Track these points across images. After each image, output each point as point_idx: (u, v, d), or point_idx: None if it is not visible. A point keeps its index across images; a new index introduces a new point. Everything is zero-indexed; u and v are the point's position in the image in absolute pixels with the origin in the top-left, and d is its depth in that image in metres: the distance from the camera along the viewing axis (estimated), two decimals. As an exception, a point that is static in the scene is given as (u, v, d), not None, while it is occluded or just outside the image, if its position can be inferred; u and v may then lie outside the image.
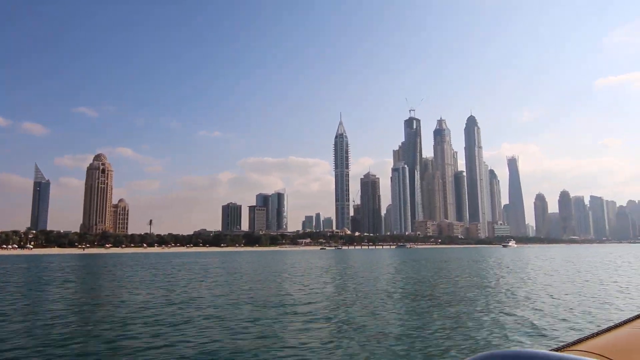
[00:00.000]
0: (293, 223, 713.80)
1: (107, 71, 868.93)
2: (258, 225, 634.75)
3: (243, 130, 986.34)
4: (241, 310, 25.16)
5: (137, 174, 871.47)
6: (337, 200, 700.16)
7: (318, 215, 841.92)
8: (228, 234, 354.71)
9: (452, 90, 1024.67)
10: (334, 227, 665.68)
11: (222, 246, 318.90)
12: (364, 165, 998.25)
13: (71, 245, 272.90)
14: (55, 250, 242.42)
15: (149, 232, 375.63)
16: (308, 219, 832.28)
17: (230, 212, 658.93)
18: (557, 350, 1.90)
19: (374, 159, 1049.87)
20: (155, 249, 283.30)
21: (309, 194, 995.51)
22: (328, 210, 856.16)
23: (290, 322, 21.02)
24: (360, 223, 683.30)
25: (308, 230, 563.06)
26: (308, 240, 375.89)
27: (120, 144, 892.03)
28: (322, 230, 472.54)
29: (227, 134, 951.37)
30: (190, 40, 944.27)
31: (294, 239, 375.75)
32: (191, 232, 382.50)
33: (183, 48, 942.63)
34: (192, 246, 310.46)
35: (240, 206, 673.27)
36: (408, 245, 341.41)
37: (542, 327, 18.89)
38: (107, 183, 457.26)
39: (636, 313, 2.53)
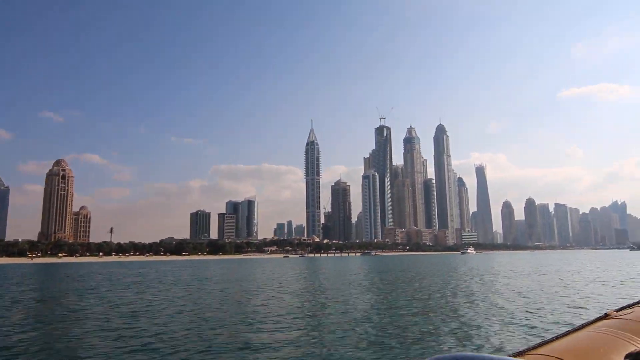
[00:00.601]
0: (265, 231, 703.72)
1: (73, 76, 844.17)
2: (227, 233, 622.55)
3: (215, 137, 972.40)
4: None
5: (105, 181, 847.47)
6: (307, 207, 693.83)
7: (290, 222, 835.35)
8: (191, 242, 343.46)
9: (422, 99, 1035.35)
10: (306, 235, 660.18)
11: (184, 254, 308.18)
12: (337, 172, 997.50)
13: (21, 254, 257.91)
14: (1, 260, 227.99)
15: (109, 240, 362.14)
16: (280, 226, 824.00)
17: (199, 220, 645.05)
18: (517, 354, 1.93)
19: (347, 166, 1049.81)
20: (112, 258, 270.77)
21: (282, 201, 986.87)
22: (300, 218, 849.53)
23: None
24: (331, 230, 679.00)
25: (280, 237, 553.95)
26: (274, 248, 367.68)
27: (87, 151, 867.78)
28: (293, 237, 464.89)
29: (198, 141, 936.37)
30: (159, 45, 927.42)
31: (259, 246, 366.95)
32: (158, 240, 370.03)
33: (152, 53, 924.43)
34: (152, 255, 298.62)
35: (209, 213, 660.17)
36: (373, 253, 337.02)
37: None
38: (68, 190, 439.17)
39: (595, 317, 2.54)
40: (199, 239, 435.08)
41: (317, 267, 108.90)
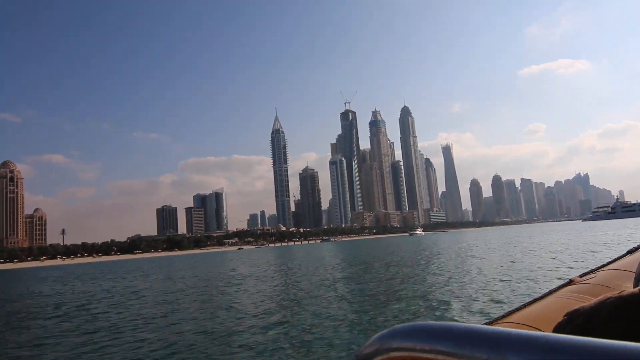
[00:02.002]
0: (239, 222, 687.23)
1: (24, 72, 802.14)
2: (196, 227, 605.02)
3: (182, 130, 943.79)
4: None
5: (70, 181, 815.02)
6: (277, 196, 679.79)
7: (263, 212, 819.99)
8: (145, 239, 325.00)
9: (385, 82, 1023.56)
10: (280, 223, 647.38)
11: (136, 253, 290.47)
12: (309, 160, 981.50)
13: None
14: None
15: (62, 243, 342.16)
16: (253, 217, 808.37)
17: (166, 216, 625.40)
18: (487, 324, 1.84)
19: (317, 153, 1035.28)
20: (56, 262, 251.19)
21: (254, 192, 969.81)
22: (274, 208, 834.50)
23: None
24: (301, 218, 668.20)
25: (253, 228, 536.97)
26: (235, 240, 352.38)
27: (48, 151, 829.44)
28: (256, 228, 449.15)
29: (164, 136, 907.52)
30: (115, 37, 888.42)
31: (220, 239, 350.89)
32: (125, 239, 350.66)
33: (107, 44, 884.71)
34: (100, 255, 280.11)
35: (175, 208, 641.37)
36: (332, 239, 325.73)
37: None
38: (17, 192, 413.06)
39: (560, 283, 2.59)
40: (165, 235, 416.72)
41: (236, 261, 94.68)
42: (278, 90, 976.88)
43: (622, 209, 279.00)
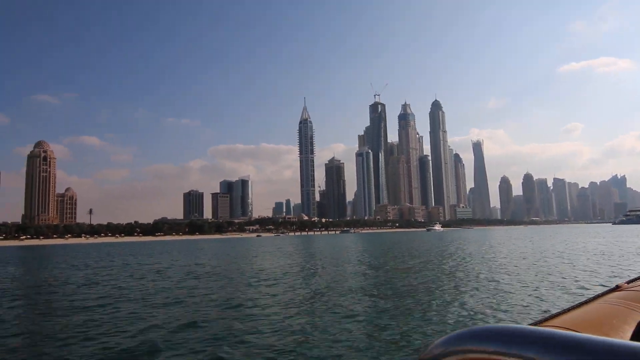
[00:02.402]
0: (264, 210, 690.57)
1: (63, 55, 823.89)
2: (221, 213, 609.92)
3: (213, 117, 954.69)
4: None
5: (104, 163, 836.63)
6: (302, 186, 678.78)
7: (288, 201, 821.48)
8: (168, 222, 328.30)
9: (417, 75, 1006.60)
10: (304, 213, 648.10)
11: (157, 235, 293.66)
12: (336, 151, 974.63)
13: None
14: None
15: (89, 222, 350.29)
16: (278, 205, 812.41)
17: (192, 200, 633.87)
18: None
19: (345, 144, 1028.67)
20: (81, 240, 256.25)
21: (282, 180, 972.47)
22: (299, 197, 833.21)
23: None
24: (325, 208, 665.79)
25: (278, 216, 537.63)
26: (256, 227, 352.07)
27: (85, 133, 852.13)
28: (277, 216, 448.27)
29: (196, 121, 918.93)
30: (151, 26, 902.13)
31: (241, 225, 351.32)
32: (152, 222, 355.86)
33: (144, 34, 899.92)
34: (123, 236, 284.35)
35: (202, 194, 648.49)
36: (352, 231, 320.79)
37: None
38: (50, 171, 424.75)
39: (606, 289, 2.50)
40: (189, 220, 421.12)
41: (248, 248, 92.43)
42: (308, 81, 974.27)
43: None
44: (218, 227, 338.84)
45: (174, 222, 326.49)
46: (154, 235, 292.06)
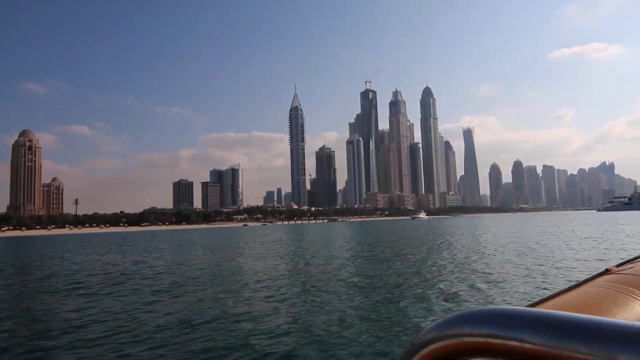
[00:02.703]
0: (255, 199, 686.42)
1: (50, 43, 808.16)
2: (211, 202, 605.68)
3: (204, 105, 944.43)
4: None
5: (94, 152, 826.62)
6: (292, 174, 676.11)
7: (280, 190, 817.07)
8: (153, 212, 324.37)
9: (409, 62, 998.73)
10: (295, 202, 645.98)
11: (143, 225, 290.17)
12: (329, 139, 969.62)
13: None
14: None
15: (75, 212, 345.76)
16: (269, 194, 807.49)
17: (182, 189, 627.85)
18: None
19: (338, 133, 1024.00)
20: (64, 231, 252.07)
21: (273, 168, 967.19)
22: (290, 185, 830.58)
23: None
24: (316, 197, 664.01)
25: (265, 205, 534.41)
26: (244, 216, 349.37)
27: (75, 122, 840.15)
28: (266, 205, 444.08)
29: (187, 110, 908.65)
30: (141, 14, 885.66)
31: (229, 215, 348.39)
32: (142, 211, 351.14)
33: (134, 22, 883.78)
34: (108, 226, 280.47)
35: (191, 183, 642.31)
36: (339, 219, 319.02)
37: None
38: (35, 161, 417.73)
39: (597, 272, 2.49)
40: (178, 209, 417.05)
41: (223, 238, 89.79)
42: (299, 68, 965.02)
43: None
44: (205, 216, 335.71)
45: (161, 212, 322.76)
46: (139, 225, 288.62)
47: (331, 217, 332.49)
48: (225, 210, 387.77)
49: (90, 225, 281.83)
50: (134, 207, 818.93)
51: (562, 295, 2.12)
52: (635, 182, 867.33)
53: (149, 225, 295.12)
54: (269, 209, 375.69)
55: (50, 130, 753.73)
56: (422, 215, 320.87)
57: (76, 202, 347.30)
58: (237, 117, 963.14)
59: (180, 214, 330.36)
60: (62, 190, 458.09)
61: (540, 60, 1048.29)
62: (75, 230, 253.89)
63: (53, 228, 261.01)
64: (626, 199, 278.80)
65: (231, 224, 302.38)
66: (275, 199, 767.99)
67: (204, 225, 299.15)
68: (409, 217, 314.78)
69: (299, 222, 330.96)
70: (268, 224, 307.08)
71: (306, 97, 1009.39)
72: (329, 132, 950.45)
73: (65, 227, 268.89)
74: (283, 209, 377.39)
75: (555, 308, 1.86)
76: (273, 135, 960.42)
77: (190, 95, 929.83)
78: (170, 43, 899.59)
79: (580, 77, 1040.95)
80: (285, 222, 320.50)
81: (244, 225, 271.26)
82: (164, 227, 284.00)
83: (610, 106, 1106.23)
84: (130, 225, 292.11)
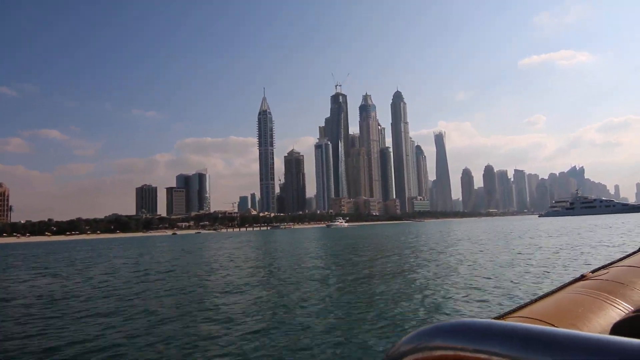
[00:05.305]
0: (225, 205, 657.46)
1: (24, 48, 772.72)
2: (177, 208, 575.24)
3: (180, 110, 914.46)
4: None
5: (67, 157, 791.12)
6: (261, 179, 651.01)
7: (253, 195, 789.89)
8: (85, 220, 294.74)
9: (381, 66, 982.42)
10: (259, 207, 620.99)
11: (69, 234, 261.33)
12: (300, 143, 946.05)
13: None
14: None
15: (9, 220, 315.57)
16: (243, 199, 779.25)
17: (145, 195, 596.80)
18: (497, 319, 1.83)
19: (310, 137, 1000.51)
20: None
21: (251, 173, 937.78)
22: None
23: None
24: (285, 202, 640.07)
25: (215, 212, 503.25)
26: (190, 223, 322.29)
27: (46, 126, 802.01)
28: (216, 211, 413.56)
29: (162, 114, 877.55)
30: (116, 16, 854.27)
31: (172, 222, 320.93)
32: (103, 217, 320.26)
33: (109, 25, 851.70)
34: (29, 236, 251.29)
35: (155, 188, 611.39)
36: (282, 226, 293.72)
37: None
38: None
39: (571, 279, 2.55)
40: (139, 216, 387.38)
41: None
42: (272, 72, 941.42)
43: (582, 205, 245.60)
44: (147, 224, 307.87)
45: (93, 220, 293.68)
46: (64, 234, 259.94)
47: (273, 225, 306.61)
48: (175, 217, 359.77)
49: (10, 235, 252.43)
50: (97, 213, 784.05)
51: (539, 302, 2.15)
52: (605, 186, 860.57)
53: (77, 234, 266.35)
54: (219, 215, 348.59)
55: (19, 135, 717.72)
56: (340, 222, 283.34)
57: (10, 209, 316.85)
58: (214, 121, 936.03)
59: (118, 221, 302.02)
60: (8, 196, 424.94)
61: (512, 67, 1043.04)
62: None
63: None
64: (568, 204, 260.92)
65: (167, 232, 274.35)
66: (250, 204, 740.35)
67: (139, 234, 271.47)
68: (326, 225, 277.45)
69: (250, 228, 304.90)
70: (213, 231, 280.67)
71: (277, 101, 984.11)
72: (306, 137, 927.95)
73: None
74: (235, 215, 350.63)
75: (531, 315, 1.93)
76: (250, 139, 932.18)
77: (166, 99, 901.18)
78: (146, 48, 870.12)
79: (551, 84, 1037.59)
80: (231, 230, 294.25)
81: (173, 234, 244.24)
82: (93, 236, 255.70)
83: (580, 112, 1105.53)
84: (58, 233, 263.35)
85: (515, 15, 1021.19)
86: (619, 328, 1.54)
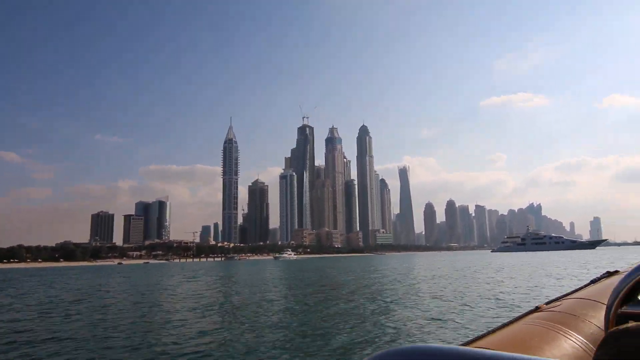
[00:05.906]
0: (186, 234, 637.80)
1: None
2: (134, 237, 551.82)
3: (145, 136, 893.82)
4: None
5: (23, 180, 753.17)
6: (224, 209, 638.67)
7: (217, 224, 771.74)
8: (30, 246, 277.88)
9: (348, 100, 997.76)
10: (221, 237, 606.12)
11: (7, 262, 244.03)
12: (273, 173, 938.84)
13: None
14: None
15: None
16: (205, 229, 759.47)
17: (100, 222, 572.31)
18: None
19: (275, 167, 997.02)
20: None
21: (216, 202, 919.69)
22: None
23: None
24: (248, 232, 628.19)
25: (169, 240, 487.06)
26: (142, 252, 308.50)
27: (2, 148, 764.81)
28: (172, 240, 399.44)
29: (126, 140, 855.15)
30: (85, 41, 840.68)
31: (123, 251, 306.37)
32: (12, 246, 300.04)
33: (70, 43, 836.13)
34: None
35: (112, 215, 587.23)
36: (236, 258, 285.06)
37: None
38: None
39: (527, 310, 2.58)
40: (89, 244, 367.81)
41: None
42: (238, 100, 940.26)
43: (532, 241, 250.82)
44: (95, 252, 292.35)
45: (35, 248, 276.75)
46: (2, 262, 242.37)
47: (228, 256, 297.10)
48: (127, 245, 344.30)
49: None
50: (49, 241, 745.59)
51: (495, 333, 2.17)
52: (561, 223, 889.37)
53: (17, 262, 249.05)
54: (174, 244, 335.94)
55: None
56: (289, 254, 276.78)
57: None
58: (180, 149, 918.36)
59: (64, 248, 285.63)
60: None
61: (474, 107, 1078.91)
62: None
63: None
64: (519, 239, 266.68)
65: (116, 261, 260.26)
66: (212, 234, 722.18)
67: (85, 263, 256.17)
68: (273, 257, 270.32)
69: (204, 259, 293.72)
70: (165, 261, 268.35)
71: (243, 131, 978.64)
72: (273, 168, 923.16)
73: None
74: (191, 244, 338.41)
75: (487, 346, 1.94)
76: (217, 168, 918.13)
77: (131, 125, 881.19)
78: (114, 73, 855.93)
79: (510, 125, 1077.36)
80: (184, 260, 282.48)
81: (119, 263, 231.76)
82: (33, 265, 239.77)
83: (538, 152, 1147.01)
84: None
85: (476, 58, 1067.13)
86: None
